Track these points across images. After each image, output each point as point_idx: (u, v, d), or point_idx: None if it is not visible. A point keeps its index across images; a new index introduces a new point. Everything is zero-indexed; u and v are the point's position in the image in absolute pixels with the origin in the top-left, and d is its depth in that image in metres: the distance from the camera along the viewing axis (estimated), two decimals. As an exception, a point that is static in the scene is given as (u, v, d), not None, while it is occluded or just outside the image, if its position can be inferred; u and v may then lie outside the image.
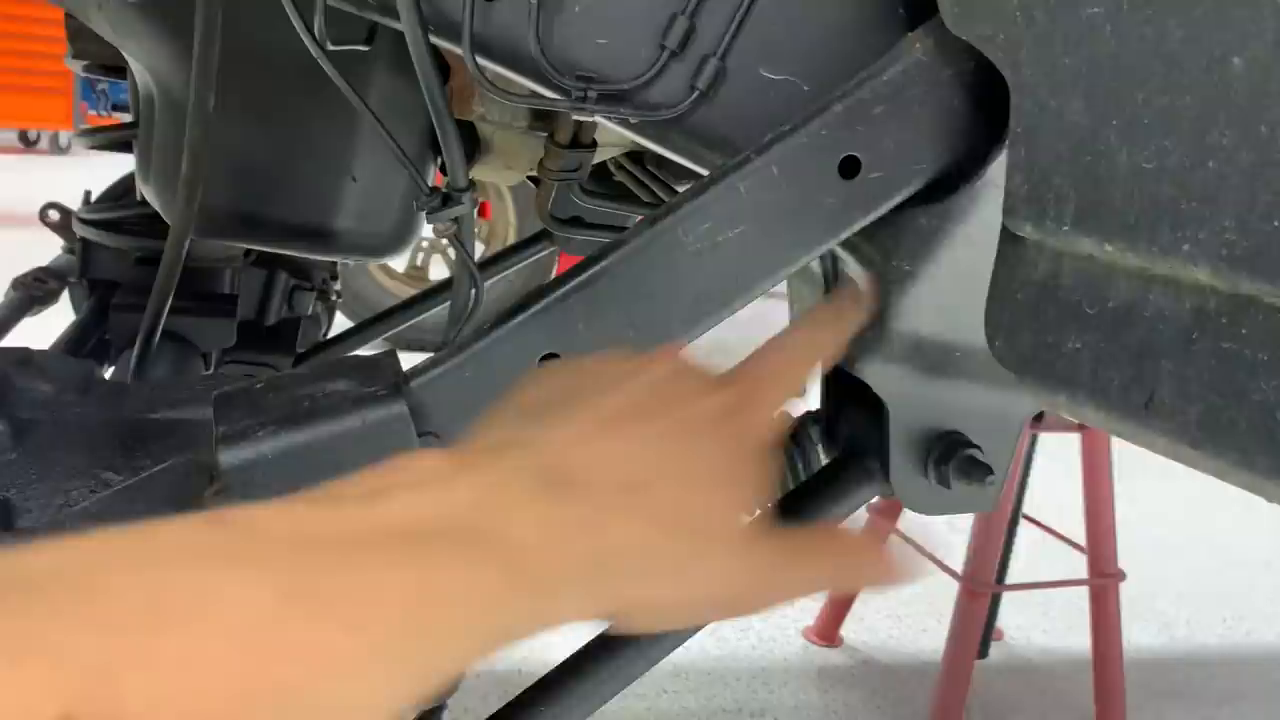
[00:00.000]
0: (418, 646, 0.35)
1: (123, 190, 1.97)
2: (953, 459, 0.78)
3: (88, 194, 1.96)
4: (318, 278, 1.90)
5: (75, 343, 1.57)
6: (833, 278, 0.76)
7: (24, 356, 0.96)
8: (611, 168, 1.46)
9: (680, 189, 1.36)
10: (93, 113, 10.77)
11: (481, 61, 0.69)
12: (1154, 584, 3.21)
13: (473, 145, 1.23)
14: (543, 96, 0.71)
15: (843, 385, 0.86)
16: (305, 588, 0.33)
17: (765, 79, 0.69)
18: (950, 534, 3.26)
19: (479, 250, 5.21)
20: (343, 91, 0.73)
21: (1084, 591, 2.42)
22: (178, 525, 0.35)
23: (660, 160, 1.42)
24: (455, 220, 0.74)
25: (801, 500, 0.83)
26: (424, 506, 0.39)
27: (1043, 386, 0.58)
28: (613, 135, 1.21)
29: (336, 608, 0.33)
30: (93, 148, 1.80)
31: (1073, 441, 2.40)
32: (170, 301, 1.72)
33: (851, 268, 0.73)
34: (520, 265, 1.88)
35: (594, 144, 1.13)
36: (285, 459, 0.58)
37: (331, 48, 0.72)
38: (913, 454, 0.79)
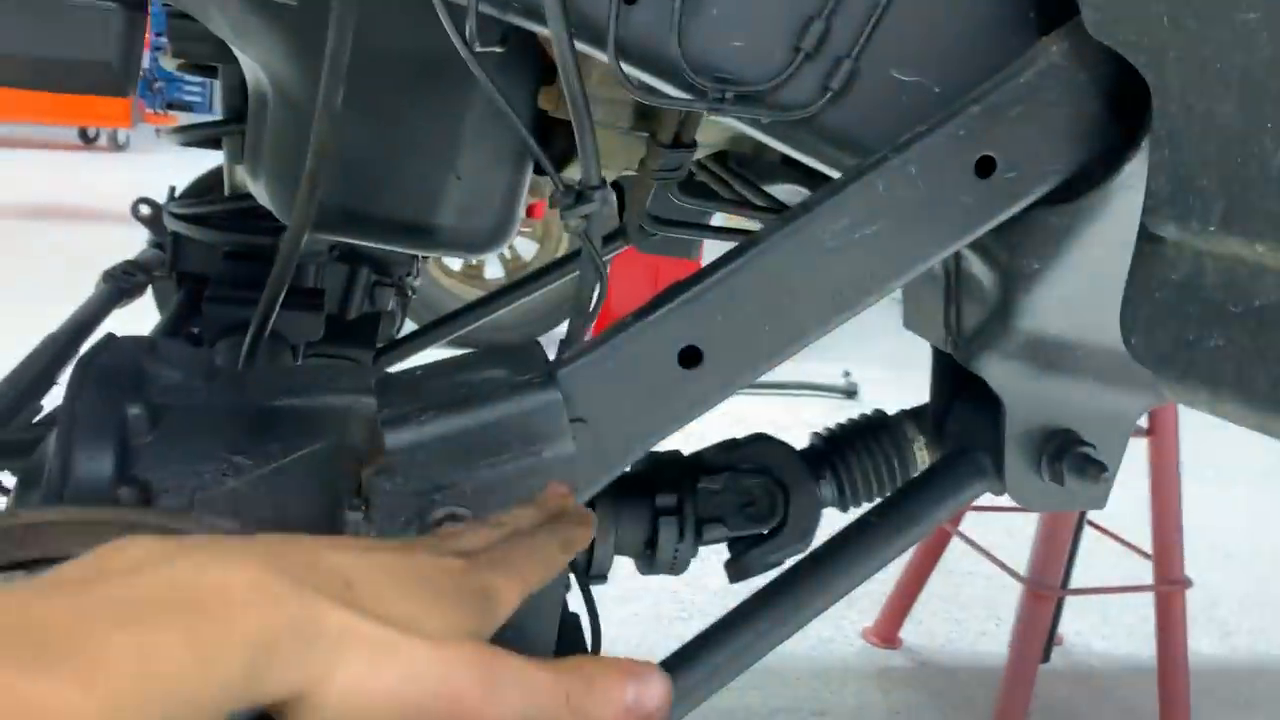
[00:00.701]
0: (148, 705, 0.36)
1: (208, 185, 2.02)
2: (1066, 456, 0.80)
3: (173, 189, 2.01)
4: (397, 273, 1.93)
5: (169, 334, 1.61)
6: (954, 276, 0.78)
7: (150, 344, 1.00)
8: (693, 168, 1.48)
9: (764, 188, 1.38)
10: (149, 110, 10.96)
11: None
12: (1215, 592, 3.17)
13: (571, 144, 1.26)
14: (670, 96, 0.73)
15: (952, 382, 0.87)
16: (33, 658, 0.34)
17: (896, 80, 0.71)
18: (1006, 538, 3.25)
19: (531, 249, 5.26)
20: (488, 95, 0.76)
21: (1142, 598, 2.41)
22: None
23: (742, 160, 1.44)
24: (585, 217, 0.77)
25: (911, 497, 0.84)
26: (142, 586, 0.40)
27: (1181, 384, 0.60)
28: (710, 135, 1.23)
29: (68, 669, 0.34)
30: (184, 144, 1.85)
31: (1135, 447, 2.39)
32: (257, 295, 1.76)
33: (976, 265, 0.74)
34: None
35: (694, 144, 1.15)
36: (446, 441, 0.61)
37: (479, 49, 0.74)
38: (1027, 451, 0.80)
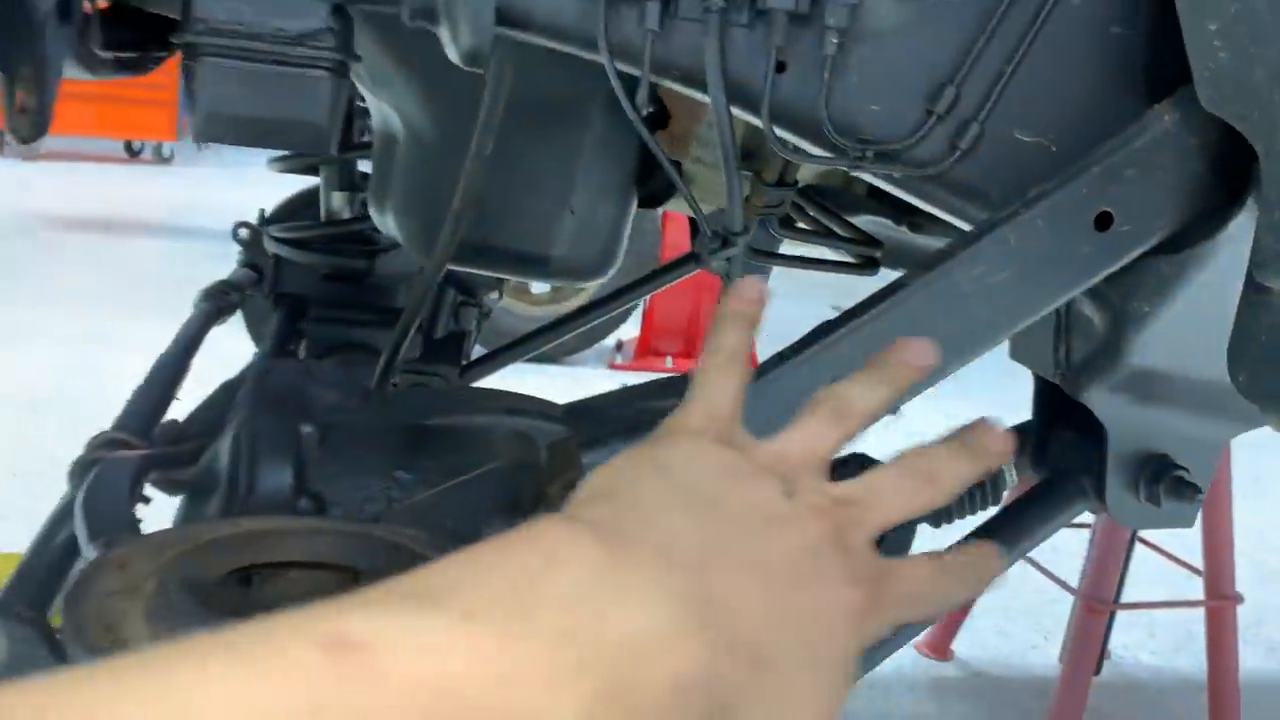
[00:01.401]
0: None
1: (294, 209, 2.12)
2: (1163, 479, 0.87)
3: (262, 212, 2.11)
4: (482, 295, 2.03)
5: (278, 354, 1.71)
6: (1066, 314, 0.86)
7: (307, 368, 1.09)
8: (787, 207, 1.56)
9: (851, 220, 1.46)
10: (193, 124, 11.13)
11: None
12: (1261, 609, 3.21)
13: (669, 183, 1.34)
14: (813, 153, 0.82)
15: (1054, 410, 0.95)
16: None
17: (1018, 140, 0.79)
18: (1052, 553, 3.31)
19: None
20: (650, 145, 0.84)
21: (1187, 613, 2.46)
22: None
23: (826, 192, 1.52)
24: (728, 260, 0.85)
25: (1019, 515, 0.92)
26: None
27: (1287, 418, 0.67)
28: (805, 173, 1.31)
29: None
30: (283, 172, 1.95)
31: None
32: (358, 315, 1.86)
33: (1087, 306, 0.82)
34: (667, 285, 2.00)
35: (796, 183, 1.23)
36: (634, 463, 0.69)
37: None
38: (1126, 474, 0.88)
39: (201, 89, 0.75)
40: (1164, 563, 2.63)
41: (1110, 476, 0.88)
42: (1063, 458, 0.93)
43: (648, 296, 4.19)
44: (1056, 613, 2.86)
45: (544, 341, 2.06)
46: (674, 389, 0.73)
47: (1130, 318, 0.79)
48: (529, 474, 0.81)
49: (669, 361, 5.25)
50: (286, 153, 1.91)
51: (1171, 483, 0.87)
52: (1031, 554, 2.59)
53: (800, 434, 0.58)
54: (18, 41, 0.71)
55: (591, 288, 4.92)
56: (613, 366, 5.14)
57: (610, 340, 5.31)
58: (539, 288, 5.35)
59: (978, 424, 0.62)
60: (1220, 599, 2.38)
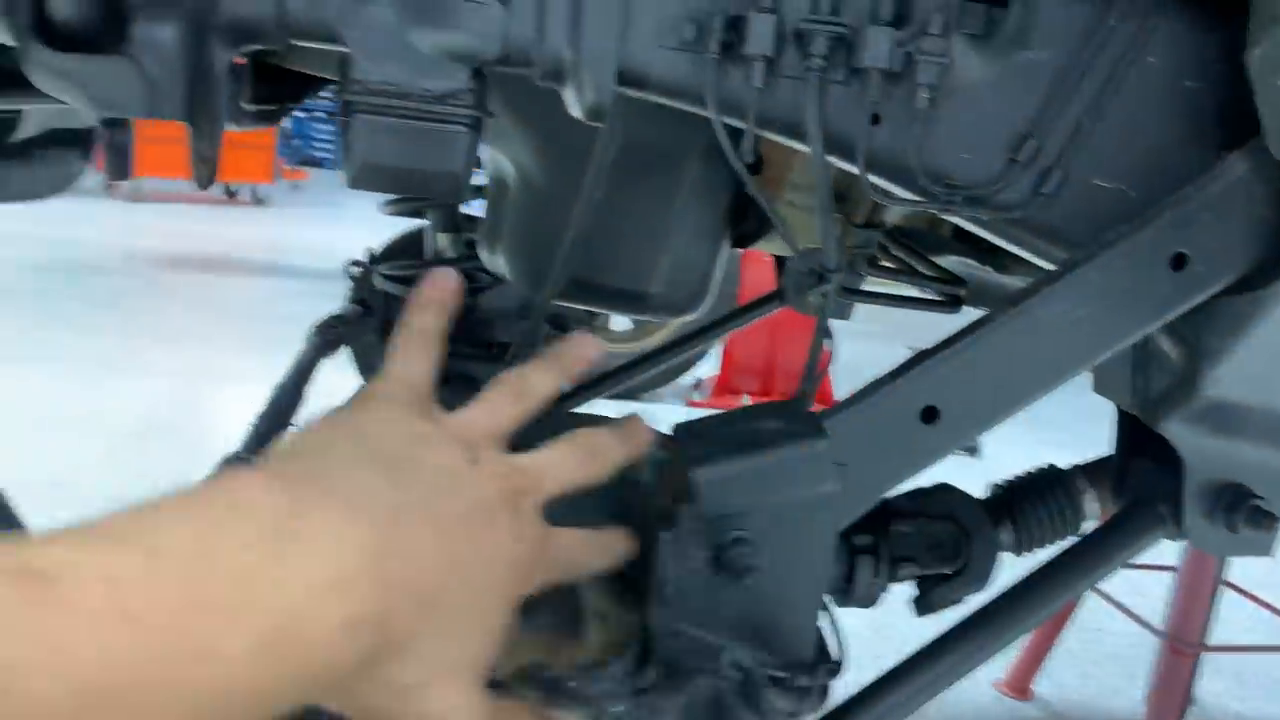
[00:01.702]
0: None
1: (400, 248, 2.24)
2: (1240, 508, 0.91)
3: (370, 251, 2.23)
4: (572, 329, 2.12)
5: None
6: (1144, 349, 0.91)
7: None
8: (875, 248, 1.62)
9: (932, 259, 1.52)
10: (286, 167, 11.59)
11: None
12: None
13: (765, 223, 1.42)
14: (904, 198, 0.88)
15: (1133, 440, 1.00)
16: None
17: (1097, 186, 0.85)
18: (1137, 597, 3.27)
19: (656, 303, 5.44)
20: (752, 192, 0.92)
21: (1276, 661, 2.43)
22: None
23: (911, 233, 1.58)
24: (823, 295, 0.92)
25: (1098, 541, 0.97)
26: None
27: (1357, 446, 0.72)
28: (893, 215, 1.38)
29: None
30: (393, 214, 2.07)
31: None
32: (461, 348, 1.96)
33: (1165, 341, 0.87)
34: (749, 323, 2.07)
35: (883, 225, 1.30)
36: (742, 478, 0.76)
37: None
38: (1204, 502, 0.92)
39: (356, 142, 0.85)
40: (1255, 609, 2.60)
41: (1188, 505, 0.92)
42: (1142, 487, 0.98)
43: (726, 335, 4.28)
44: (1141, 657, 2.83)
45: (626, 377, 2.14)
46: (770, 413, 0.80)
47: (1206, 353, 0.84)
48: (636, 490, 0.88)
49: (746, 399, 5.31)
50: (400, 197, 2.04)
51: (1248, 511, 0.91)
52: (1116, 596, 2.58)
53: (484, 409, 0.68)
54: (200, 97, 0.81)
55: (671, 326, 5.03)
56: (691, 404, 5.21)
57: (689, 378, 5.39)
58: (619, 325, 5.46)
59: (630, 417, 0.76)
60: (1312, 645, 2.34)
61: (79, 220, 8.71)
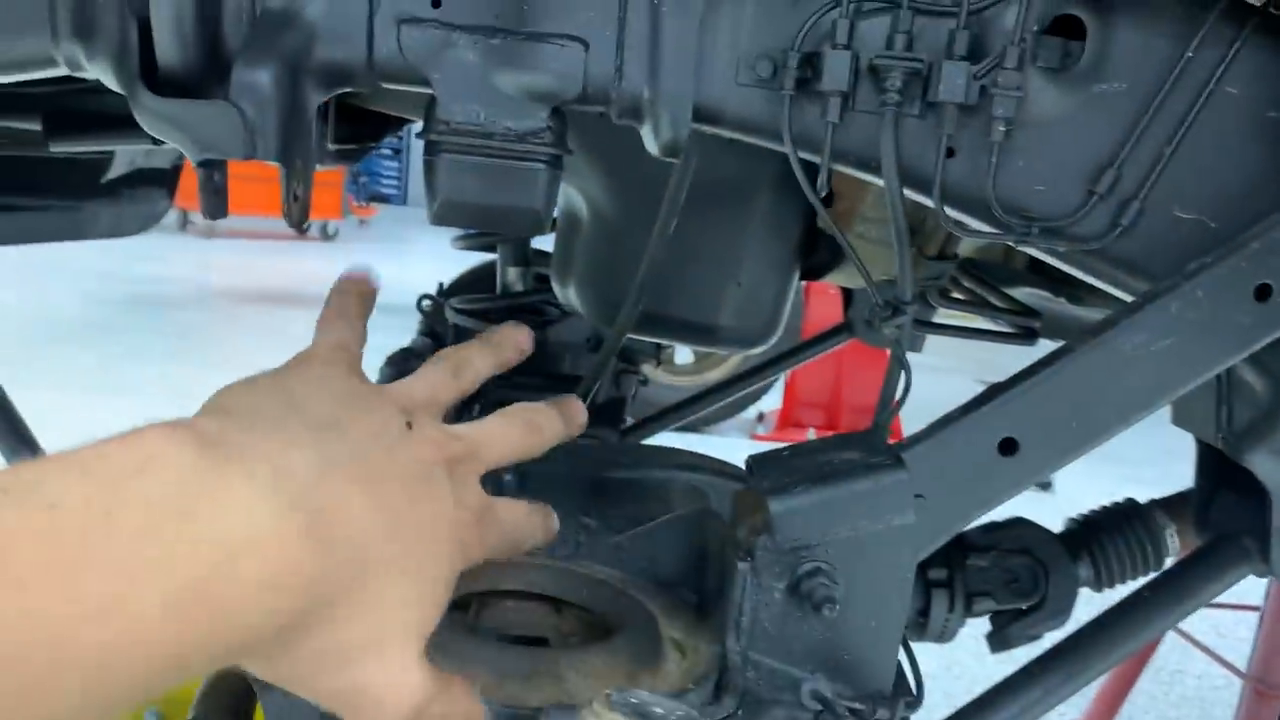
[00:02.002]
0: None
1: (468, 282, 2.28)
2: (1330, 543, 0.89)
3: (441, 284, 2.27)
4: (641, 363, 2.13)
5: (460, 413, 1.85)
6: (1227, 380, 0.89)
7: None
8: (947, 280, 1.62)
9: (1004, 290, 1.51)
10: (355, 203, 11.85)
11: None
12: None
13: (836, 256, 1.43)
14: (980, 230, 0.89)
15: (1216, 475, 0.98)
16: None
17: (1177, 217, 0.84)
18: (1216, 637, 3.18)
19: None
20: (828, 226, 0.92)
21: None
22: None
23: (985, 266, 1.58)
24: (899, 326, 0.92)
25: (1182, 575, 0.95)
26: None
27: None
28: (966, 248, 1.38)
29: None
30: (464, 249, 2.12)
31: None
32: (530, 380, 1.98)
33: (1248, 373, 0.86)
34: (815, 356, 2.08)
35: (956, 257, 1.30)
36: (817, 509, 0.77)
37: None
38: (1291, 537, 0.90)
39: (440, 181, 0.87)
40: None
41: (1276, 539, 0.90)
42: (1226, 521, 0.96)
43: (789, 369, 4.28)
44: (1223, 699, 2.75)
45: (692, 411, 2.15)
46: (847, 444, 0.80)
47: (1292, 384, 0.82)
48: (714, 521, 0.89)
49: (811, 433, 5.28)
50: (471, 232, 2.08)
51: (1339, 546, 0.89)
52: (1198, 637, 2.52)
53: (422, 382, 0.68)
54: (294, 138, 0.84)
55: (733, 360, 5.03)
56: (754, 437, 5.20)
57: (752, 412, 5.38)
58: (683, 358, 5.47)
59: (567, 396, 0.79)
60: (1405, 690, 2.25)
61: (155, 256, 8.98)
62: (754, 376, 2.18)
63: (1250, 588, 2.51)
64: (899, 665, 0.91)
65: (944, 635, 1.08)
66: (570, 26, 0.85)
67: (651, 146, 0.90)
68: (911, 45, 0.83)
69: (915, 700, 0.82)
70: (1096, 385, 0.79)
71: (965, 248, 1.37)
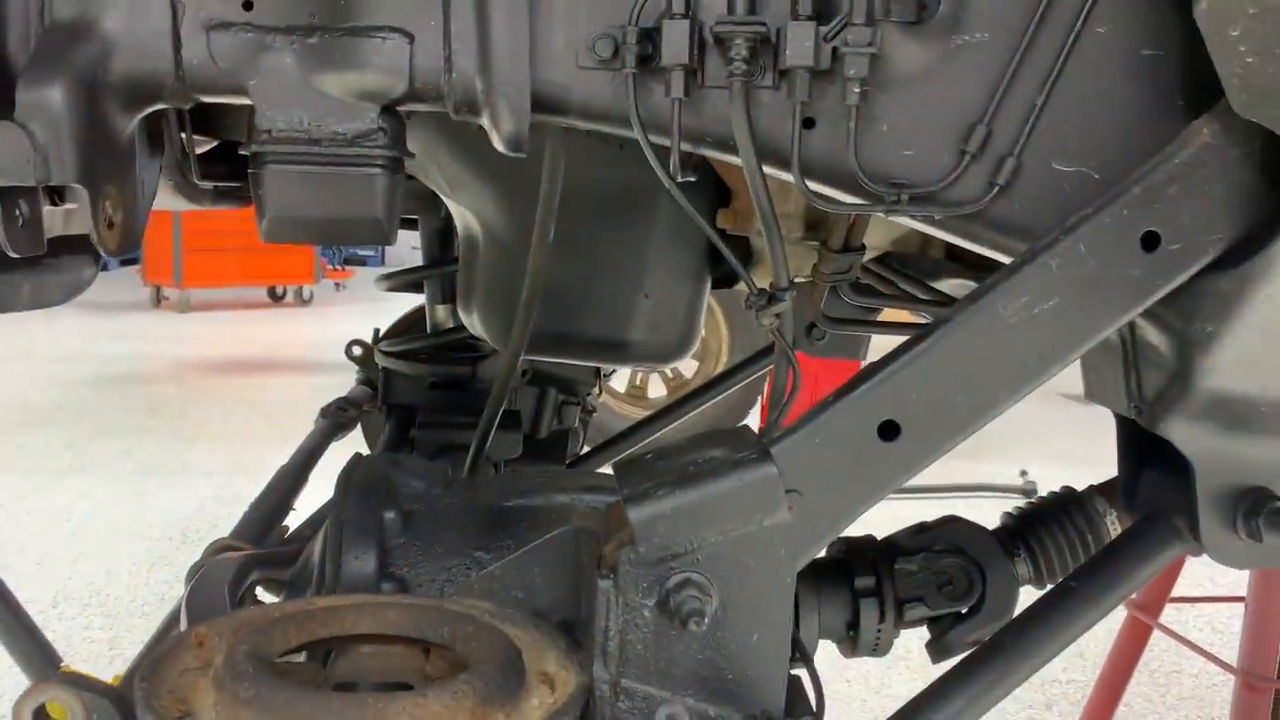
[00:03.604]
0: None
1: (406, 325, 2.22)
2: (1263, 512, 0.82)
3: (377, 330, 2.21)
4: (582, 393, 2.06)
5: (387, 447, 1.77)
6: (1132, 344, 0.83)
7: (393, 460, 1.13)
8: (859, 271, 1.56)
9: (931, 284, 1.45)
10: (330, 267, 11.82)
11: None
12: None
13: (746, 258, 1.36)
14: (848, 203, 0.82)
15: (1139, 450, 0.91)
16: None
17: (1057, 170, 0.78)
18: (1212, 634, 3.09)
19: (692, 367, 5.39)
20: (690, 219, 0.86)
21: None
22: None
23: (906, 259, 1.52)
24: (777, 315, 0.86)
25: (1109, 562, 0.88)
26: None
27: (1366, 424, 0.63)
28: (876, 238, 1.31)
29: None
30: (389, 290, 2.05)
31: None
32: (463, 419, 1.91)
33: (1152, 333, 0.79)
34: (744, 383, 2.02)
35: (863, 247, 1.23)
36: (680, 514, 0.69)
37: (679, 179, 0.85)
38: (1221, 510, 0.83)
39: (267, 194, 0.81)
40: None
41: (1203, 514, 0.83)
42: (1154, 498, 0.89)
43: (765, 386, 4.20)
44: (1221, 698, 2.66)
45: (650, 433, 2.08)
46: (714, 441, 0.73)
47: (1195, 340, 0.76)
48: (588, 540, 0.82)
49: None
50: (393, 270, 2.02)
51: (1271, 516, 0.82)
52: (1193, 633, 2.43)
53: None
54: (100, 161, 0.78)
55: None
56: (736, 467, 5.11)
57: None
58: (656, 389, 5.40)
59: None
60: (1402, 671, 2.17)
61: (127, 334, 8.92)
62: (712, 391, 2.11)
63: (1241, 578, 2.41)
64: (798, 681, 0.83)
65: (878, 648, 1.00)
66: (392, 18, 0.80)
67: (496, 141, 0.83)
68: (755, 9, 0.77)
69: (815, 718, 0.74)
70: (979, 356, 0.72)
71: (875, 239, 1.31)
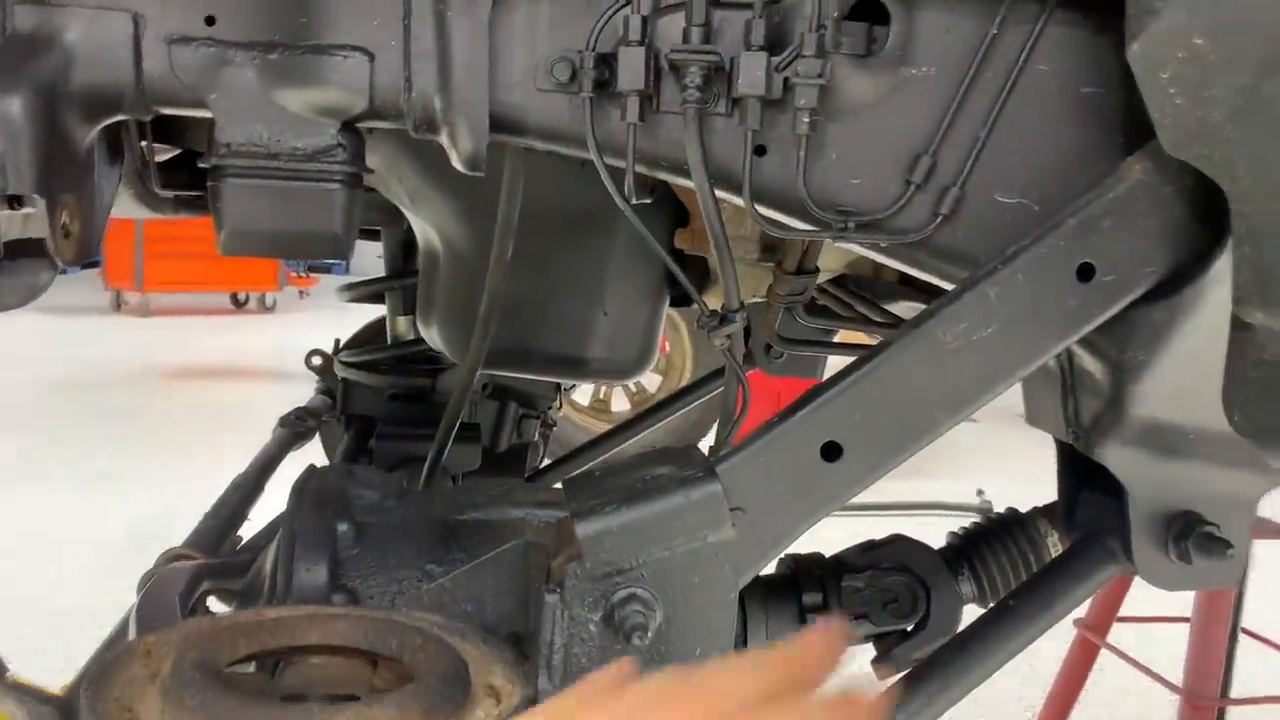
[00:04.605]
0: None
1: (367, 336, 2.21)
2: (1192, 536, 0.85)
3: (338, 341, 2.20)
4: (542, 406, 2.07)
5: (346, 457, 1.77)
6: (1069, 371, 0.85)
7: (348, 470, 1.13)
8: (815, 293, 1.59)
9: (884, 306, 1.48)
10: (294, 274, 11.73)
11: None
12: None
13: (704, 277, 1.38)
14: (798, 229, 0.85)
15: (1077, 474, 0.94)
16: None
17: (999, 202, 0.81)
18: (1159, 653, 3.14)
19: (656, 381, 5.42)
20: (645, 239, 0.88)
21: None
22: None
23: (861, 282, 1.55)
24: (728, 336, 0.88)
25: (1046, 583, 0.90)
26: None
27: (1283, 453, 0.66)
28: (830, 261, 1.34)
29: None
30: (351, 300, 2.05)
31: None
32: (421, 431, 1.91)
33: (1088, 361, 0.82)
34: (705, 399, 2.04)
35: (816, 270, 1.26)
36: (627, 530, 0.71)
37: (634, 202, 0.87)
38: (1153, 533, 0.86)
39: (226, 207, 0.82)
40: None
41: (1136, 537, 0.86)
42: (1089, 520, 0.92)
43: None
44: (1166, 718, 2.70)
45: (612, 447, 2.09)
46: (662, 459, 0.75)
47: (1128, 368, 0.78)
48: (538, 554, 0.83)
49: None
50: (355, 280, 2.02)
51: (1200, 540, 0.84)
52: (1140, 652, 2.47)
53: None
54: (58, 171, 0.79)
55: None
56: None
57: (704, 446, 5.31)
58: (620, 403, 5.42)
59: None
60: (1340, 692, 2.22)
61: (87, 339, 8.80)
62: (669, 408, 2.13)
63: (1187, 599, 2.46)
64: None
65: (824, 664, 1.02)
66: (353, 38, 0.81)
67: (454, 160, 0.85)
68: (710, 39, 0.79)
69: None
70: (919, 380, 0.74)
71: (829, 262, 1.34)
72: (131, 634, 0.98)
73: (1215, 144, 0.67)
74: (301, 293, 12.22)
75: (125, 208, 1.16)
